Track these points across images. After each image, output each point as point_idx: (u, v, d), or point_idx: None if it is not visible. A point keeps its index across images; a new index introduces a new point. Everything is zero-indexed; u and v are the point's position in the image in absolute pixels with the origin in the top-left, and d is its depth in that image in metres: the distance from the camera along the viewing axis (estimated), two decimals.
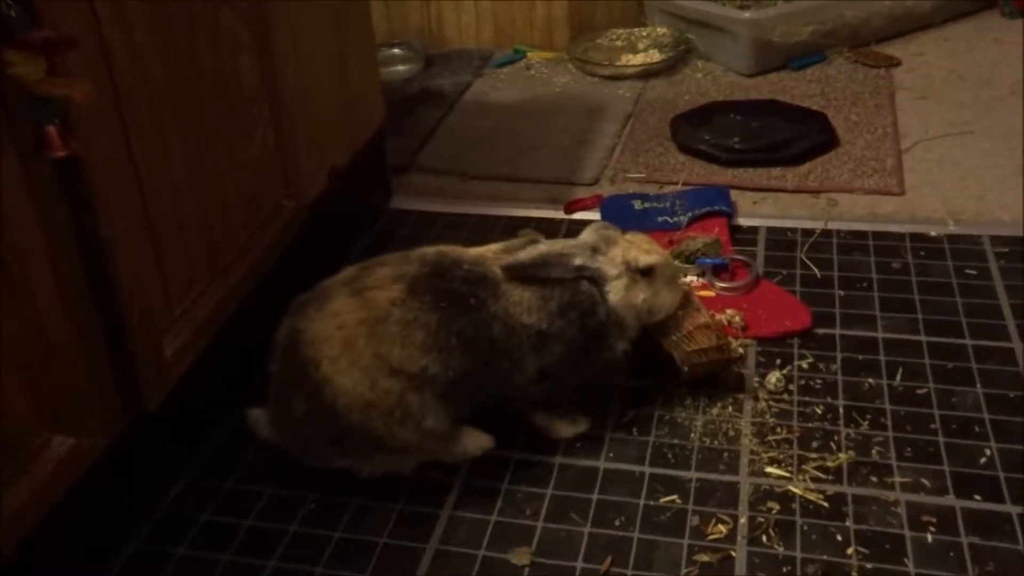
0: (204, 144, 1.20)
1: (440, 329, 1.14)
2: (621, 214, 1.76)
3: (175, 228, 1.15)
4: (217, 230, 1.24)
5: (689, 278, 1.57)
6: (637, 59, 2.45)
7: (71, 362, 0.99)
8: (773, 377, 1.35)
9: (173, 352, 1.14)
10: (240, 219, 1.30)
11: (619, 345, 1.27)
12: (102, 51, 0.99)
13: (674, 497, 1.19)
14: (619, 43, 2.56)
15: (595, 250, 1.23)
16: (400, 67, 2.53)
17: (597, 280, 1.23)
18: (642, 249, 1.25)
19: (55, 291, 0.96)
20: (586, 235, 1.26)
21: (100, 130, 0.98)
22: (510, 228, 1.78)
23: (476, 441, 1.24)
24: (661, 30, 2.55)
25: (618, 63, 2.44)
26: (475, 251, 1.24)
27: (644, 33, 2.57)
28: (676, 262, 1.61)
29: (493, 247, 1.26)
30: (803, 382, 1.36)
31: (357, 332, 1.13)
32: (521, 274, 1.20)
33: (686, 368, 1.31)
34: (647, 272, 1.24)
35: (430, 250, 1.22)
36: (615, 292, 1.23)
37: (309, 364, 1.13)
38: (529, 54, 2.58)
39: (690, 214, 1.73)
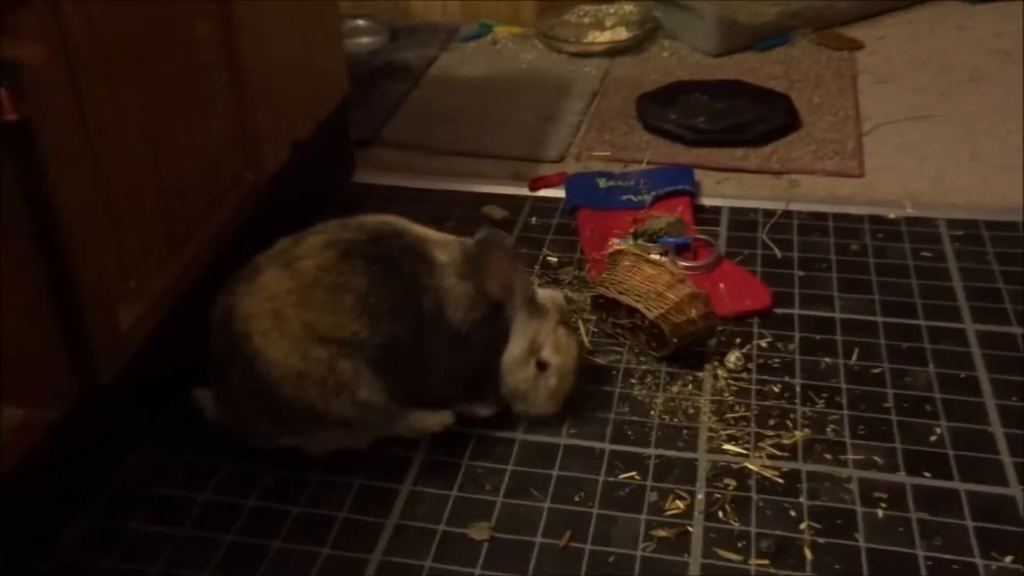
0: (160, 111, 1.17)
1: (371, 292, 1.13)
2: (586, 192, 1.76)
3: (130, 196, 1.12)
4: (174, 200, 1.22)
5: (652, 256, 1.57)
6: (604, 36, 2.44)
7: (20, 332, 0.96)
8: (732, 356, 1.36)
9: (128, 324, 1.12)
10: (198, 189, 1.27)
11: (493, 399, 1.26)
12: (54, 12, 0.95)
13: (633, 473, 1.20)
14: (586, 20, 2.54)
15: (532, 305, 1.22)
16: (365, 39, 2.49)
17: (507, 326, 1.21)
18: (556, 345, 1.22)
19: (2, 259, 0.93)
20: (546, 294, 1.25)
21: (52, 94, 0.95)
22: (474, 204, 1.77)
23: (436, 416, 1.23)
24: (628, 8, 2.54)
25: (585, 40, 2.43)
26: (423, 229, 1.23)
27: (611, 10, 2.55)
28: (640, 241, 1.61)
29: (444, 236, 1.24)
30: (762, 361, 1.37)
31: (286, 302, 1.12)
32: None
33: (675, 340, 1.31)
34: (542, 367, 1.22)
35: (372, 218, 1.22)
36: (513, 350, 1.21)
37: (242, 339, 1.12)
38: (496, 28, 2.56)
39: (654, 193, 1.74)
